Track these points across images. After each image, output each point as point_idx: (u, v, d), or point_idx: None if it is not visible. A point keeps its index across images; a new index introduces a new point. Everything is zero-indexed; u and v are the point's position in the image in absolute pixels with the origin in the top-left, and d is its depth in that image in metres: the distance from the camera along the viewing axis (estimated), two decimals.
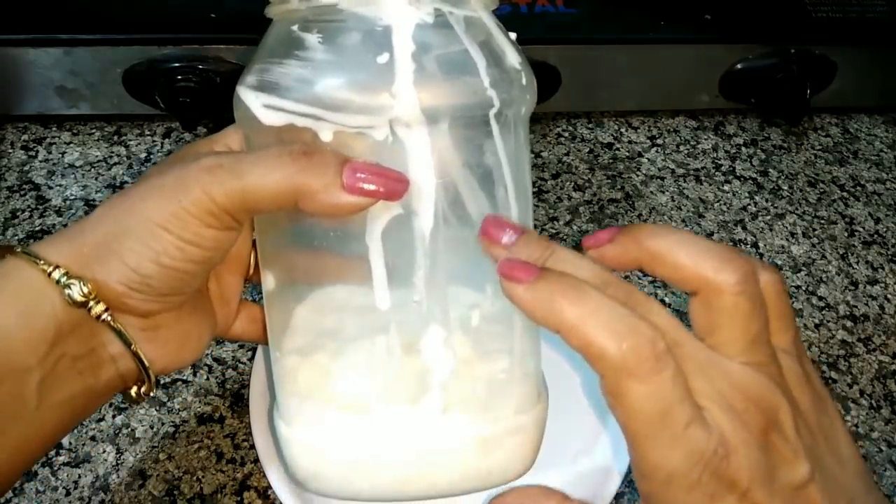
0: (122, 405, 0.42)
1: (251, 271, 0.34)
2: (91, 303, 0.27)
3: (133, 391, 0.30)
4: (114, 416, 0.41)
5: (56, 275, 0.26)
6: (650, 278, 0.49)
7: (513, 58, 0.29)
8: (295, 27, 0.28)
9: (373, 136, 0.27)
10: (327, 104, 0.27)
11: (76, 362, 0.27)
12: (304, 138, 0.27)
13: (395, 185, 0.27)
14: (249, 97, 0.28)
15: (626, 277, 0.49)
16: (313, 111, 0.27)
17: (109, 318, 0.27)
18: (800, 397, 0.26)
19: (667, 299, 0.48)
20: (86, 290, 0.26)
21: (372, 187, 0.26)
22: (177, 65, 0.49)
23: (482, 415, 0.30)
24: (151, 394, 0.30)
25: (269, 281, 0.32)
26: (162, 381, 0.42)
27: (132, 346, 0.28)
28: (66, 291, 0.26)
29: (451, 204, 0.29)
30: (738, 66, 0.55)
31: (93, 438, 0.40)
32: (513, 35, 0.30)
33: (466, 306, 0.30)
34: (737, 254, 0.25)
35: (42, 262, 0.26)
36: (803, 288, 0.50)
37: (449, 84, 0.28)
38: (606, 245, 0.27)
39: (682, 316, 0.31)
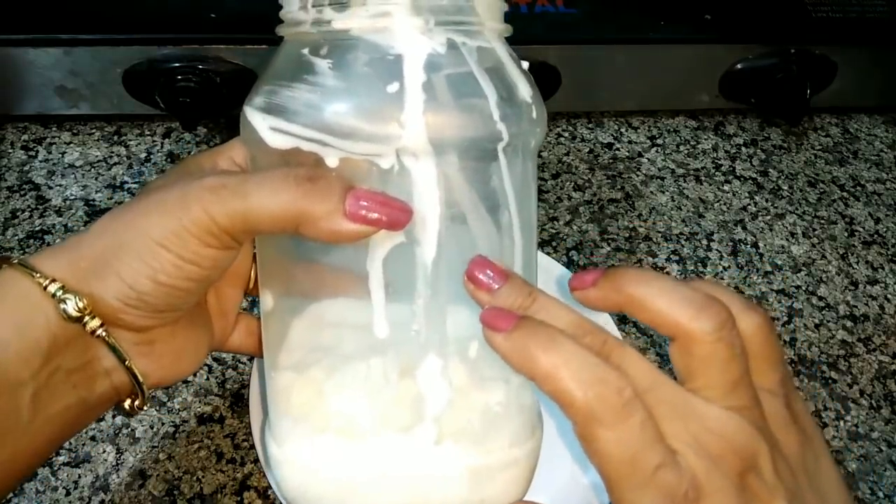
0: None
1: (251, 285, 0.34)
2: (86, 318, 0.26)
3: (126, 404, 0.30)
4: (114, 417, 0.41)
5: (52, 288, 0.26)
6: None
7: (524, 90, 0.29)
8: (305, 50, 0.28)
9: (379, 164, 0.27)
10: (335, 130, 0.27)
11: (70, 375, 0.27)
12: (309, 162, 0.27)
13: (398, 216, 0.27)
14: (256, 119, 0.28)
15: None
16: (320, 137, 0.27)
17: (104, 334, 0.27)
18: (784, 438, 0.26)
19: None
20: (81, 304, 0.26)
21: (375, 216, 0.26)
22: (177, 65, 0.49)
23: (476, 447, 0.29)
24: (145, 408, 0.30)
25: (266, 297, 0.31)
26: None
27: (126, 362, 0.28)
28: (62, 306, 0.26)
29: (455, 235, 0.29)
30: (738, 66, 0.55)
31: (93, 438, 0.40)
32: (525, 64, 0.30)
33: (465, 336, 0.30)
34: (715, 301, 0.26)
35: (38, 274, 0.26)
36: (803, 288, 0.50)
37: (458, 116, 0.28)
38: (590, 288, 0.27)
39: None
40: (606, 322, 0.44)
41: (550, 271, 0.46)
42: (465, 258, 0.29)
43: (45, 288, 0.26)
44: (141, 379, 0.29)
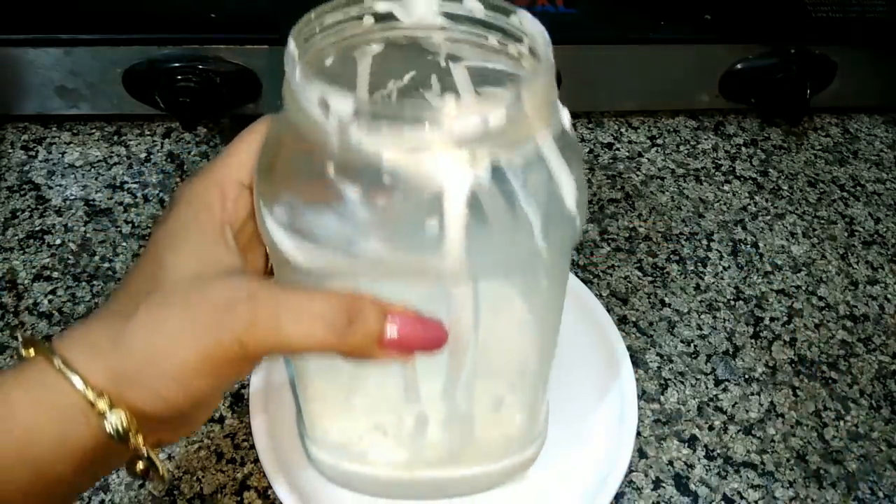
0: None
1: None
2: (131, 437, 0.26)
3: (139, 469, 0.30)
4: None
5: (100, 405, 0.25)
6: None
7: (570, 199, 0.27)
8: (331, 170, 0.25)
9: (416, 289, 0.27)
10: (368, 262, 0.26)
11: (105, 470, 0.28)
12: (337, 282, 0.27)
13: (433, 343, 0.27)
14: (279, 235, 0.27)
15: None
16: (352, 266, 0.26)
17: (145, 451, 0.27)
18: None
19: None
20: (125, 423, 0.26)
21: (409, 345, 0.26)
22: (177, 65, 0.49)
23: (489, 465, 0.36)
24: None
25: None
26: None
27: (153, 460, 0.28)
28: (106, 422, 0.26)
29: (487, 344, 0.30)
30: (738, 66, 0.55)
31: None
32: (567, 117, 0.28)
33: (490, 400, 0.33)
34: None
35: (78, 377, 0.25)
36: (803, 288, 0.50)
37: (501, 247, 0.27)
38: None
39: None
40: (607, 322, 0.44)
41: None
42: (500, 358, 0.32)
43: (90, 400, 0.26)
44: (161, 470, 0.29)
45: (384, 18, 0.29)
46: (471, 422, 0.33)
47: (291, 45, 0.26)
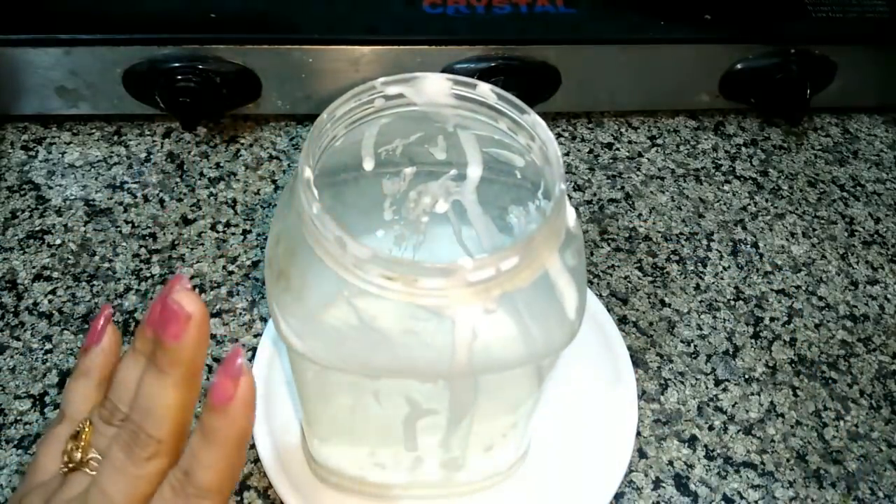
0: None
1: None
2: None
3: None
4: None
5: None
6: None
7: (571, 306, 0.28)
8: (346, 292, 0.26)
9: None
10: (377, 372, 0.28)
11: None
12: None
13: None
14: (294, 340, 0.28)
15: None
16: (363, 368, 0.28)
17: None
18: None
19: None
20: None
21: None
22: (177, 65, 0.49)
23: (483, 482, 0.38)
24: None
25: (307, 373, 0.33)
26: None
27: None
28: None
29: (484, 408, 0.32)
30: (738, 66, 0.55)
31: None
32: (572, 214, 0.29)
33: (485, 440, 0.35)
34: None
35: None
36: (803, 288, 0.50)
37: (503, 358, 0.28)
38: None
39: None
40: (607, 322, 0.44)
41: None
42: (495, 410, 0.33)
43: None
44: None
45: (395, 98, 0.30)
46: (464, 461, 0.35)
47: (307, 172, 0.26)
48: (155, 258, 0.48)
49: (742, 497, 0.41)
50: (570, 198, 0.53)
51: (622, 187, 0.54)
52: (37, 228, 0.49)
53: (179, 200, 0.51)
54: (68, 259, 0.48)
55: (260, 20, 0.51)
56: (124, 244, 0.49)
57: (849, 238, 0.53)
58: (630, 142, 0.58)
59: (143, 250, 0.48)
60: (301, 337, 0.27)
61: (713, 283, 0.50)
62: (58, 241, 0.48)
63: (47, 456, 0.28)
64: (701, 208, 0.54)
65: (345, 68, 0.51)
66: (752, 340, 0.47)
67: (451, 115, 0.31)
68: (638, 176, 0.55)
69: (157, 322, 0.26)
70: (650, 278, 0.49)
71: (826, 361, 0.46)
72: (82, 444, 0.27)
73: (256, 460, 0.39)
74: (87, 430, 0.28)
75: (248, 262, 0.48)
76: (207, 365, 0.43)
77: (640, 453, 0.42)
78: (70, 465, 0.27)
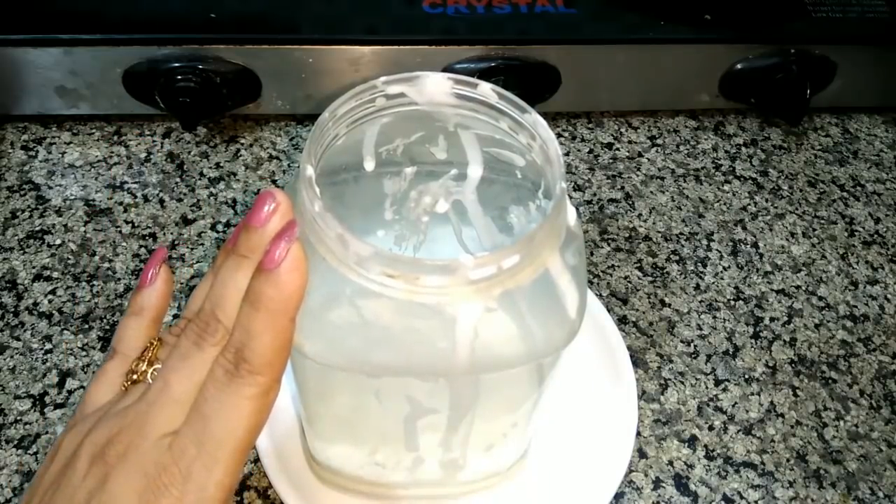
0: None
1: None
2: None
3: None
4: None
5: None
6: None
7: (572, 305, 0.28)
8: (348, 291, 0.26)
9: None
10: (381, 371, 0.28)
11: None
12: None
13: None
14: (300, 340, 0.28)
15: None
16: (363, 367, 0.28)
17: None
18: None
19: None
20: None
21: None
22: (177, 65, 0.49)
23: (483, 482, 0.38)
24: None
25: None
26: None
27: None
28: None
29: (485, 408, 0.32)
30: (738, 66, 0.55)
31: None
32: (572, 214, 0.29)
33: (485, 440, 0.34)
34: None
35: None
36: (803, 288, 0.50)
37: (504, 357, 0.28)
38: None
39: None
40: (607, 322, 0.44)
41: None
42: (496, 409, 0.33)
43: None
44: None
45: (396, 97, 0.30)
46: (464, 461, 0.35)
47: (308, 171, 0.26)
48: None
49: (742, 497, 0.41)
50: (570, 198, 0.53)
51: (622, 187, 0.54)
52: (37, 228, 0.49)
53: (179, 200, 0.51)
54: (68, 259, 0.48)
55: (260, 20, 0.51)
56: (124, 244, 0.49)
57: (849, 238, 0.53)
58: (630, 142, 0.58)
59: (143, 250, 0.48)
60: (302, 335, 0.27)
61: (713, 283, 0.50)
62: (58, 241, 0.48)
63: (98, 392, 0.28)
64: (701, 208, 0.54)
65: (345, 68, 0.51)
66: (752, 340, 0.47)
67: (452, 115, 0.31)
68: (638, 176, 0.55)
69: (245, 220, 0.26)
70: (650, 278, 0.49)
71: (826, 361, 0.46)
72: (149, 356, 0.28)
73: (256, 460, 0.39)
74: (155, 344, 0.28)
75: None
76: None
77: (640, 453, 0.42)
78: (133, 378, 0.27)
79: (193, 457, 0.25)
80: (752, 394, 0.45)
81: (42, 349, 0.44)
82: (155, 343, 0.28)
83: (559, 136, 0.57)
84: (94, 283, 0.47)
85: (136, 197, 0.51)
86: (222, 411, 0.25)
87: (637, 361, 0.45)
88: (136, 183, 0.52)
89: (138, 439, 0.25)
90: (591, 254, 0.50)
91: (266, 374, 0.25)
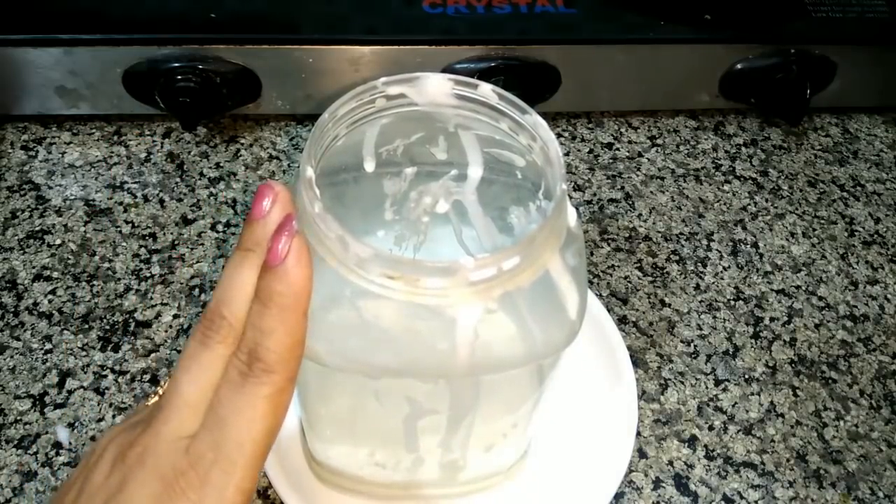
0: (122, 405, 0.42)
1: None
2: None
3: None
4: (114, 416, 0.41)
5: None
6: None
7: (572, 306, 0.28)
8: (347, 292, 0.26)
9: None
10: (381, 372, 0.28)
11: None
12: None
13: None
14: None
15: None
16: (364, 369, 0.28)
17: None
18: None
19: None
20: None
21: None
22: (177, 65, 0.49)
23: (482, 482, 0.38)
24: None
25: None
26: (160, 381, 0.42)
27: None
28: None
29: (485, 408, 0.32)
30: (738, 66, 0.55)
31: (92, 438, 0.40)
32: (573, 215, 0.29)
33: (486, 440, 0.35)
34: None
35: None
36: (803, 288, 0.50)
37: (504, 358, 0.28)
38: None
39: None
40: (607, 322, 0.44)
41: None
42: (496, 410, 0.33)
43: None
44: None
45: (396, 98, 0.30)
46: (464, 462, 0.35)
47: (308, 172, 0.26)
48: (155, 258, 0.48)
49: (742, 497, 0.41)
50: (571, 198, 0.53)
51: (622, 187, 0.54)
52: (37, 228, 0.49)
53: (179, 200, 0.51)
54: (68, 259, 0.48)
55: (260, 20, 0.51)
56: (124, 244, 0.49)
57: (849, 238, 0.53)
58: (630, 142, 0.58)
59: (143, 250, 0.48)
60: (315, 340, 0.27)
61: (713, 283, 0.50)
62: (58, 241, 0.48)
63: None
64: (701, 208, 0.54)
65: (345, 68, 0.51)
66: (752, 340, 0.47)
67: (453, 115, 0.31)
68: (638, 176, 0.55)
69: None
70: (650, 278, 0.49)
71: (826, 361, 0.46)
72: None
73: None
74: None
75: None
76: None
77: (640, 453, 0.42)
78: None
79: (211, 461, 0.24)
80: (752, 394, 0.45)
81: (42, 349, 0.44)
82: None
83: (559, 136, 0.57)
84: (94, 283, 0.47)
85: (136, 197, 0.51)
86: (238, 413, 0.25)
87: (637, 361, 0.45)
88: (136, 183, 0.52)
89: (153, 442, 0.25)
90: (592, 254, 0.50)
91: (280, 371, 0.25)
